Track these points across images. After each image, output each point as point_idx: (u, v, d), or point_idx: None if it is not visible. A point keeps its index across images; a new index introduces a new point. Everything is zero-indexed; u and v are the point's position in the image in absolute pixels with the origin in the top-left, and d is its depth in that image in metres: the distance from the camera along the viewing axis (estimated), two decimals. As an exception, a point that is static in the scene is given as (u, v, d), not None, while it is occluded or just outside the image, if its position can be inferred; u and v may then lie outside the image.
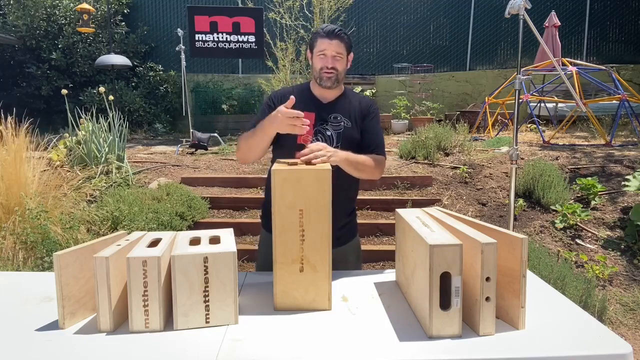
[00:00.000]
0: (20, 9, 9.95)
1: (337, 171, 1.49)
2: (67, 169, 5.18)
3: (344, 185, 1.72)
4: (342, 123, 1.80)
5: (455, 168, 5.46)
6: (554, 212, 4.34)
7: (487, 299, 1.12)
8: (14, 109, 4.56)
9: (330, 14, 8.14)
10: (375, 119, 1.86)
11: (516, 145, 3.22)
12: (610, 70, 7.42)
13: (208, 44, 8.46)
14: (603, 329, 1.16)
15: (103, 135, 5.50)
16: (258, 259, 2.02)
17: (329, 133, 1.78)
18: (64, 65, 10.11)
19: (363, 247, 4.14)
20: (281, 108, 1.52)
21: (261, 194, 5.02)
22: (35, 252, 3.43)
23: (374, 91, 10.38)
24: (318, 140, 1.75)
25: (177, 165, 5.98)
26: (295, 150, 1.59)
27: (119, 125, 5.65)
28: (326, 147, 1.49)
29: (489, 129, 7.92)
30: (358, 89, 10.11)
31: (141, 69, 10.48)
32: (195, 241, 1.27)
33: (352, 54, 1.86)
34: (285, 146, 1.74)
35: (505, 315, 1.20)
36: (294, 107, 1.57)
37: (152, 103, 10.37)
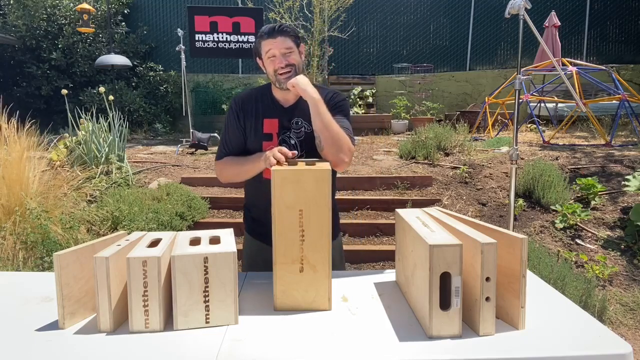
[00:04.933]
0: (20, 9, 9.95)
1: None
2: (68, 169, 5.18)
3: None
4: (303, 129, 1.71)
5: (455, 168, 5.46)
6: (554, 212, 4.34)
7: (487, 299, 1.12)
8: (17, 110, 4.57)
9: (330, 14, 8.14)
10: (337, 109, 1.71)
11: (516, 145, 3.22)
12: (610, 70, 7.42)
13: (208, 44, 8.46)
14: (603, 329, 1.16)
15: (103, 135, 5.50)
16: (243, 261, 1.97)
17: (292, 142, 1.70)
18: (64, 65, 10.11)
19: (363, 247, 4.18)
20: (276, 153, 1.45)
21: (261, 194, 5.01)
22: (35, 252, 3.43)
23: (374, 91, 10.38)
24: None
25: (177, 165, 5.98)
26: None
27: (119, 125, 5.65)
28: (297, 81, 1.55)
29: (489, 129, 7.92)
30: (358, 89, 10.12)
31: (141, 69, 10.48)
32: (195, 241, 1.27)
33: (303, 46, 1.76)
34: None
35: (505, 315, 1.20)
36: (257, 113, 1.70)
37: (152, 103, 10.37)
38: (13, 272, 2.04)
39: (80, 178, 4.92)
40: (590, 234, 4.10)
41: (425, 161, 5.79)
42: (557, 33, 8.75)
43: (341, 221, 3.29)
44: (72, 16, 9.99)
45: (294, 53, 1.68)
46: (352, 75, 10.87)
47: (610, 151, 5.82)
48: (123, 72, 10.10)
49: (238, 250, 1.23)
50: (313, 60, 7.99)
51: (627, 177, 4.47)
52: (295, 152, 1.55)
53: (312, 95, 1.59)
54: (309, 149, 1.68)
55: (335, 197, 1.86)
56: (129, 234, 1.36)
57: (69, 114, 5.56)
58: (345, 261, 2.03)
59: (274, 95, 1.76)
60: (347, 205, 4.77)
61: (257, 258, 1.89)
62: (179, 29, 7.81)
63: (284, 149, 1.48)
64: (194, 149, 7.13)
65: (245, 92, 1.84)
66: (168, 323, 1.19)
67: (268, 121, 1.71)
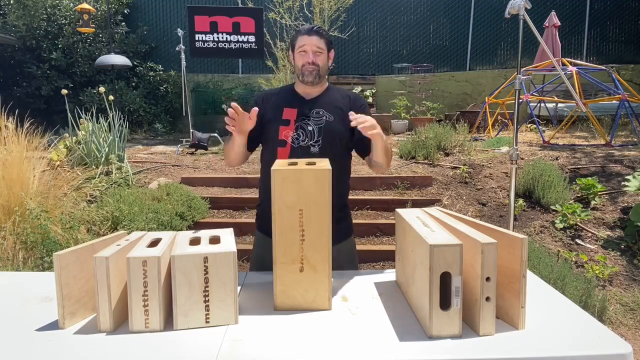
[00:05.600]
0: (21, 9, 9.95)
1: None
2: (68, 169, 5.18)
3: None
4: (324, 117, 1.80)
5: (455, 168, 5.46)
6: (554, 212, 4.34)
7: (487, 299, 1.12)
8: (17, 109, 4.57)
9: (330, 14, 8.14)
10: (366, 111, 1.81)
11: (516, 145, 3.22)
12: (610, 70, 7.42)
13: (208, 44, 8.46)
14: (603, 329, 1.16)
15: (103, 135, 5.50)
16: (252, 261, 1.98)
17: (310, 128, 1.79)
18: (64, 65, 10.12)
19: (363, 247, 4.18)
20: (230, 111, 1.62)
21: (261, 194, 5.01)
22: (35, 252, 3.43)
23: (374, 91, 10.38)
24: (299, 135, 1.78)
25: (177, 165, 5.98)
26: (277, 146, 1.76)
27: (119, 125, 5.66)
28: (367, 118, 1.54)
29: (489, 129, 7.92)
30: (358, 89, 10.11)
31: (141, 69, 10.48)
32: (195, 241, 1.27)
33: (332, 52, 1.87)
34: (269, 142, 1.82)
35: (505, 315, 1.20)
36: (277, 104, 1.81)
37: (152, 103, 10.37)
38: (13, 272, 2.03)
39: (80, 178, 4.92)
40: (590, 234, 4.10)
41: (425, 161, 5.79)
42: (557, 33, 8.75)
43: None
44: (72, 16, 9.99)
45: (323, 55, 1.80)
46: (352, 75, 10.87)
47: (610, 151, 5.82)
48: (123, 72, 10.10)
49: (238, 250, 1.23)
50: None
51: (627, 177, 4.46)
52: (256, 109, 1.65)
53: (382, 134, 1.64)
54: (327, 136, 1.77)
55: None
56: (128, 234, 1.36)
57: (69, 114, 5.56)
58: (357, 265, 2.04)
59: (296, 90, 1.87)
60: (347, 205, 4.77)
61: (266, 255, 1.91)
62: (179, 29, 7.82)
63: (235, 105, 1.61)
64: (194, 149, 7.13)
65: (269, 88, 2.00)
66: (168, 323, 1.19)
67: (288, 110, 1.81)
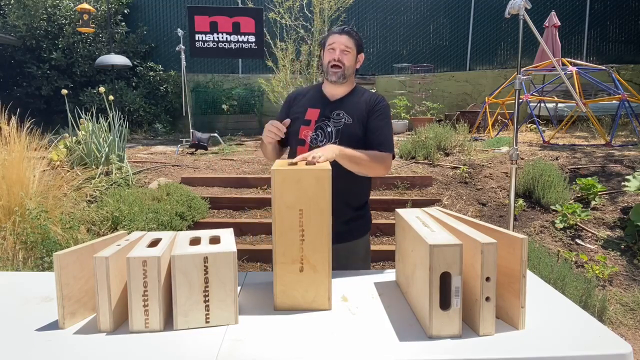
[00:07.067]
0: (21, 9, 9.95)
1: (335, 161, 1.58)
2: (68, 169, 5.18)
3: (341, 174, 1.68)
4: (343, 120, 1.84)
5: (455, 168, 5.46)
6: (554, 212, 4.34)
7: (487, 299, 1.12)
8: (17, 109, 4.57)
9: (330, 14, 8.14)
10: (381, 117, 1.86)
11: (516, 145, 3.22)
12: (610, 70, 7.42)
13: (208, 44, 8.46)
14: (603, 329, 1.16)
15: (103, 135, 5.50)
16: None
17: (329, 129, 1.83)
18: (64, 65, 10.12)
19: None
20: (269, 127, 1.74)
21: (261, 194, 5.02)
22: (35, 252, 3.43)
23: (373, 91, 10.37)
24: (318, 135, 1.83)
25: (177, 165, 5.98)
26: (297, 145, 1.84)
27: (119, 125, 5.65)
28: (312, 153, 1.47)
29: (489, 129, 7.92)
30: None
31: (141, 69, 10.48)
32: (195, 241, 1.27)
33: (362, 55, 1.91)
34: (292, 142, 1.89)
35: (505, 315, 1.20)
36: (302, 104, 1.90)
37: (152, 103, 10.37)
38: (13, 272, 2.03)
39: (80, 178, 4.92)
40: (590, 234, 4.10)
41: (425, 161, 5.79)
42: (557, 33, 8.75)
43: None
44: (72, 16, 9.99)
45: (350, 54, 1.84)
46: (352, 75, 10.86)
47: (610, 151, 5.82)
48: (123, 72, 10.10)
49: (238, 250, 1.23)
50: (313, 60, 8.00)
51: (627, 177, 4.46)
52: (288, 120, 1.83)
53: (329, 156, 1.55)
54: (345, 139, 1.81)
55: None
56: (128, 234, 1.36)
57: (69, 114, 5.56)
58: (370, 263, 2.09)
59: (323, 90, 1.93)
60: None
61: None
62: (179, 29, 7.82)
63: (275, 122, 1.75)
64: (194, 149, 7.13)
65: (299, 88, 2.11)
66: (168, 323, 1.19)
67: (311, 110, 1.87)
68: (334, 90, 1.89)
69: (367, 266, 2.00)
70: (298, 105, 1.92)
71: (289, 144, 1.92)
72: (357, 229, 1.90)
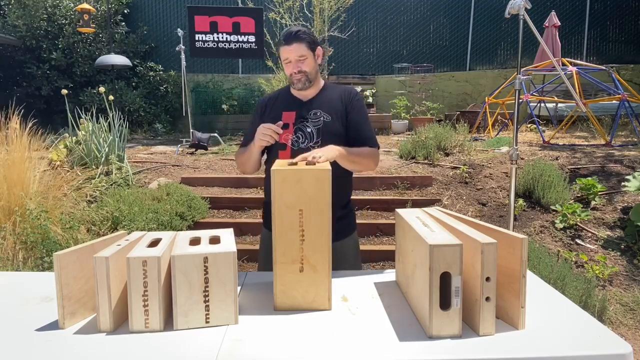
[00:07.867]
0: (21, 9, 9.95)
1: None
2: (68, 169, 5.18)
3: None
4: (322, 118, 1.83)
5: (455, 168, 5.46)
6: (554, 212, 4.34)
7: (487, 299, 1.12)
8: (20, 109, 4.56)
9: (330, 14, 8.14)
10: (360, 111, 1.86)
11: (516, 145, 3.22)
12: (610, 70, 7.42)
13: (208, 44, 8.46)
14: (603, 329, 1.16)
15: (103, 135, 5.50)
16: (260, 260, 2.01)
17: (309, 130, 1.82)
18: (64, 65, 10.12)
19: (363, 247, 4.17)
20: (263, 129, 1.69)
21: (261, 194, 5.02)
22: (35, 252, 3.43)
23: (374, 91, 10.38)
24: (299, 137, 1.82)
25: (177, 165, 5.98)
26: (279, 149, 1.80)
27: (119, 125, 5.65)
28: (313, 153, 1.48)
29: (489, 129, 7.92)
30: (358, 89, 10.12)
31: (141, 69, 10.48)
32: (195, 241, 1.27)
33: (319, 49, 1.88)
34: (273, 148, 1.83)
35: (505, 315, 1.20)
36: (276, 109, 1.86)
37: (152, 103, 10.37)
38: (13, 272, 2.03)
39: (80, 178, 4.92)
40: (590, 234, 4.10)
41: (425, 161, 5.79)
42: (557, 33, 8.75)
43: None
44: (73, 16, 9.99)
45: (307, 59, 1.81)
46: (352, 75, 10.87)
47: (610, 151, 5.82)
48: (123, 72, 10.10)
49: (238, 250, 1.23)
50: (313, 60, 8.01)
51: (627, 177, 4.46)
52: (281, 122, 1.75)
53: (330, 156, 1.59)
54: (327, 137, 1.78)
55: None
56: (128, 234, 1.36)
57: (69, 114, 5.56)
58: (361, 261, 2.07)
59: (293, 93, 1.91)
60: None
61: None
62: (179, 29, 7.82)
63: (269, 124, 1.69)
64: (194, 149, 7.13)
65: (267, 94, 2.05)
66: (168, 323, 1.19)
67: (286, 113, 1.85)
68: (304, 92, 1.87)
69: (359, 265, 1.99)
70: (272, 110, 1.89)
71: (269, 150, 1.86)
72: (344, 228, 1.88)
